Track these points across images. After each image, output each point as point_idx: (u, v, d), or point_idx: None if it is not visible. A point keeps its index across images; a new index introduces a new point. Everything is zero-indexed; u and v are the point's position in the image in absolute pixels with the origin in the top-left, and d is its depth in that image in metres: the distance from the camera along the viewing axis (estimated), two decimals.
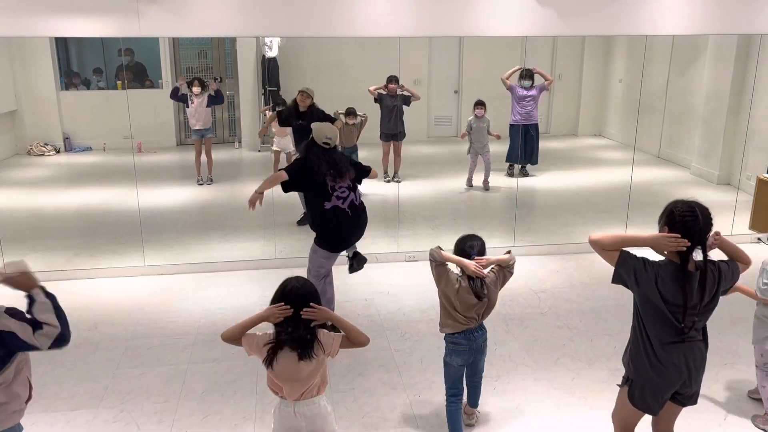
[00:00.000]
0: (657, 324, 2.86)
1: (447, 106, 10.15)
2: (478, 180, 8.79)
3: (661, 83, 9.30)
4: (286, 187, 4.67)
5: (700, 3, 6.21)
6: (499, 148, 8.96)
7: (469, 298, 3.50)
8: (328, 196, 4.64)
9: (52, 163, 9.31)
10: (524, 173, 9.23)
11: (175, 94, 8.61)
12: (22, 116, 9.38)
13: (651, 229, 7.28)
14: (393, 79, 8.29)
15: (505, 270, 3.61)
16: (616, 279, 2.91)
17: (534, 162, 9.18)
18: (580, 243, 6.76)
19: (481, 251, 3.61)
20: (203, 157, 8.67)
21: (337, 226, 4.72)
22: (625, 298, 5.66)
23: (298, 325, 2.81)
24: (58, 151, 9.48)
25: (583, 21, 6.11)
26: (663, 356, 2.88)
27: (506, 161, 9.16)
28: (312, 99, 6.93)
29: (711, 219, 2.82)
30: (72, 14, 5.43)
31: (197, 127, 8.58)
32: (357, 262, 5.06)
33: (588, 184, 9.15)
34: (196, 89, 8.51)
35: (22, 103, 9.35)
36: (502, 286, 3.63)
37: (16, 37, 8.47)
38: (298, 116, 6.95)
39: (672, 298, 2.80)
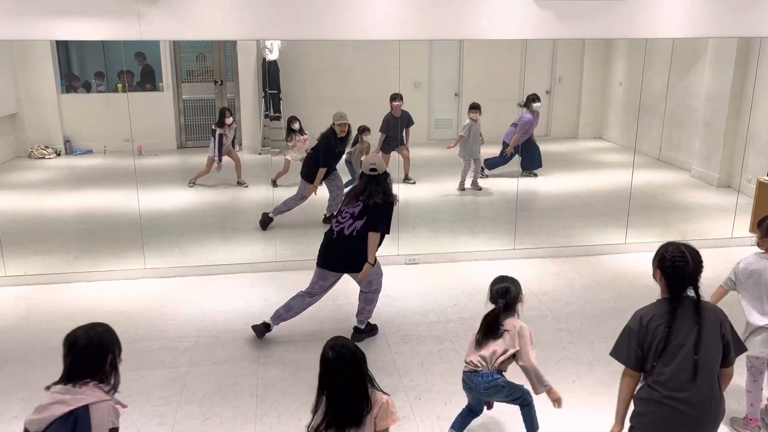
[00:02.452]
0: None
1: (447, 109, 10.15)
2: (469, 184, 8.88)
3: (661, 86, 9.31)
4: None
5: (700, 6, 6.22)
6: (490, 150, 9.08)
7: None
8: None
9: (53, 165, 9.31)
10: (533, 174, 9.33)
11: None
12: (22, 119, 9.37)
13: (651, 229, 7.20)
14: (397, 97, 8.12)
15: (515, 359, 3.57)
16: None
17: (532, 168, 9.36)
18: (581, 246, 6.76)
19: (504, 296, 3.53)
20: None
21: (323, 243, 4.91)
22: (625, 301, 5.69)
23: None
24: (58, 154, 9.47)
25: (583, 24, 6.13)
26: None
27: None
28: (348, 124, 7.00)
29: (701, 261, 2.85)
30: (73, 17, 5.44)
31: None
32: (355, 337, 4.88)
33: (588, 187, 9.15)
34: (228, 120, 8.43)
35: (23, 106, 9.34)
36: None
37: (17, 40, 8.47)
38: (337, 143, 7.09)
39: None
